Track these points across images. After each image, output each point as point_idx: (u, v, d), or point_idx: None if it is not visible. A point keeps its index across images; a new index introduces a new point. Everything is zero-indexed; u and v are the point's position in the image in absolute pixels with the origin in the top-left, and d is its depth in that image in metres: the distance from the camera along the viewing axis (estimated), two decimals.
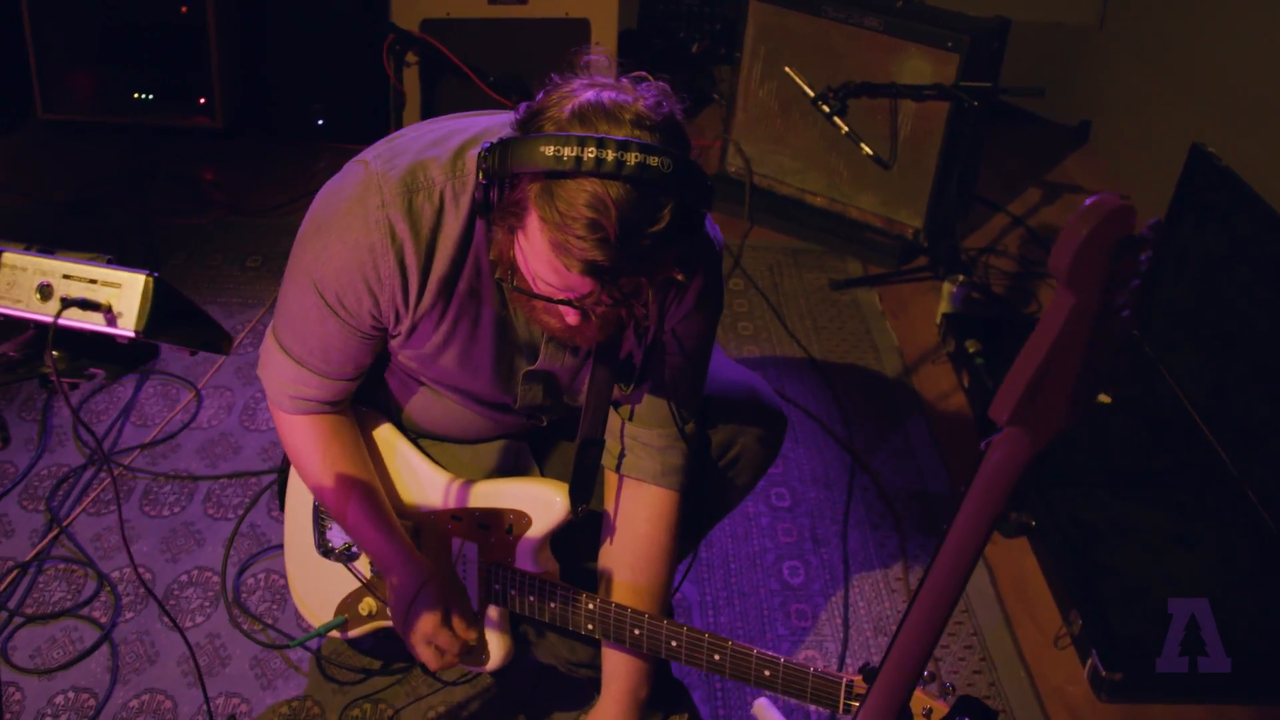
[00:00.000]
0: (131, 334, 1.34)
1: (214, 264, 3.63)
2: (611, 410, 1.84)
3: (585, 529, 1.96)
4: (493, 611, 1.94)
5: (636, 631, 1.78)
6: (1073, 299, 0.95)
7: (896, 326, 3.54)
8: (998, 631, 2.56)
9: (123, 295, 1.34)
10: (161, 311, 1.34)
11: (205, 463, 2.96)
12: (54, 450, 2.93)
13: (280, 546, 2.65)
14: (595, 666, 1.94)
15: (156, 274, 1.35)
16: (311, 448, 1.85)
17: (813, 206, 3.98)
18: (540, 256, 1.34)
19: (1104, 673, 2.38)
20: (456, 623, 1.83)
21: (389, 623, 2.04)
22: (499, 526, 1.88)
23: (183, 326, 1.38)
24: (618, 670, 1.90)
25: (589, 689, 2.28)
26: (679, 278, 1.36)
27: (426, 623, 1.81)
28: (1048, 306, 0.98)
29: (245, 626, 2.51)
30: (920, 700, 1.51)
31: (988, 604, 2.63)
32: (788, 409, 3.22)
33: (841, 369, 3.41)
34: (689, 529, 2.06)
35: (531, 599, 1.85)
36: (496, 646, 1.97)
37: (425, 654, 1.83)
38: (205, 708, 2.31)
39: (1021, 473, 1.09)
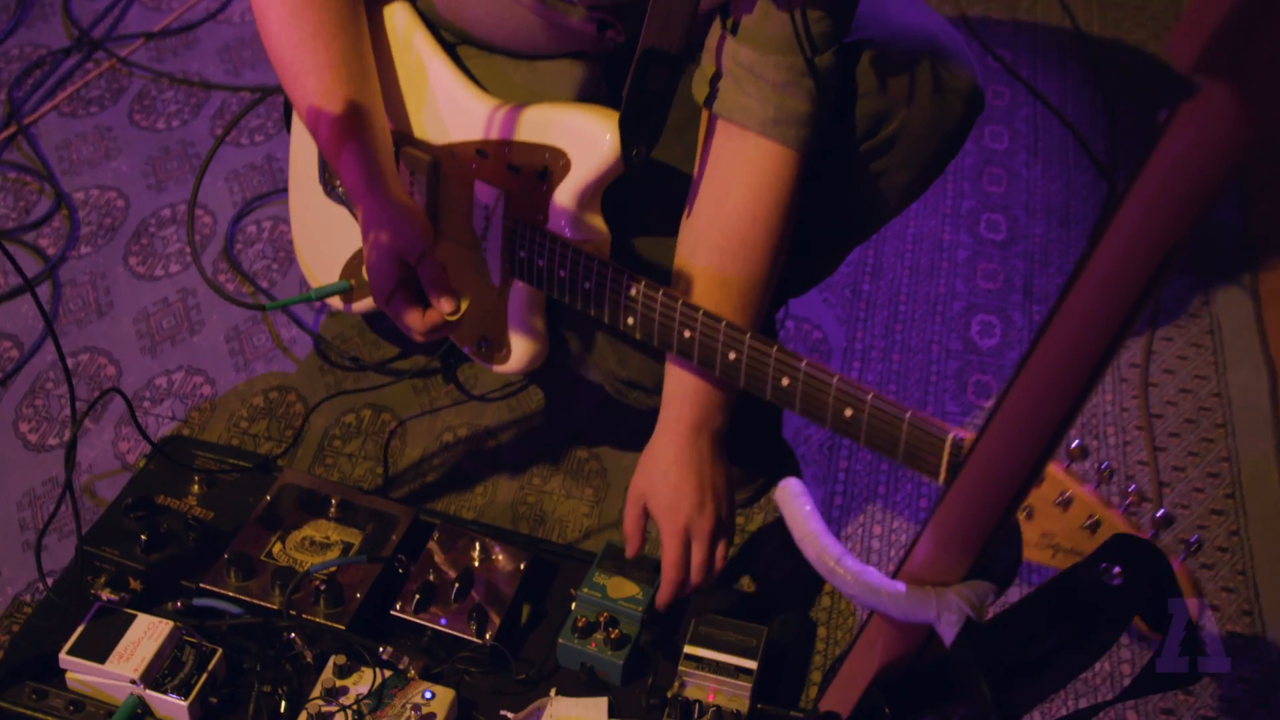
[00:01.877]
0: None
1: None
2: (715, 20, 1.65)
3: (657, 190, 1.76)
4: (520, 290, 1.83)
5: (686, 333, 1.64)
6: None
7: None
8: (1265, 456, 2.25)
9: None
10: None
11: (226, 68, 2.87)
12: (33, 25, 2.86)
13: None
14: (653, 390, 1.88)
15: None
16: (279, 7, 1.73)
17: None
18: None
19: None
20: (428, 286, 1.73)
21: None
22: (530, 169, 1.75)
23: None
24: (676, 391, 1.75)
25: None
26: None
27: (380, 276, 1.73)
28: None
29: (231, 287, 2.44)
30: (1062, 482, 1.32)
31: (1256, 412, 2.31)
32: (1022, 103, 2.89)
33: (1122, 52, 2.99)
34: (821, 236, 1.87)
35: (562, 275, 1.74)
36: (521, 340, 1.87)
37: (399, 319, 1.76)
38: (159, 381, 2.26)
39: (1228, 168, 0.77)
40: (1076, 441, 1.36)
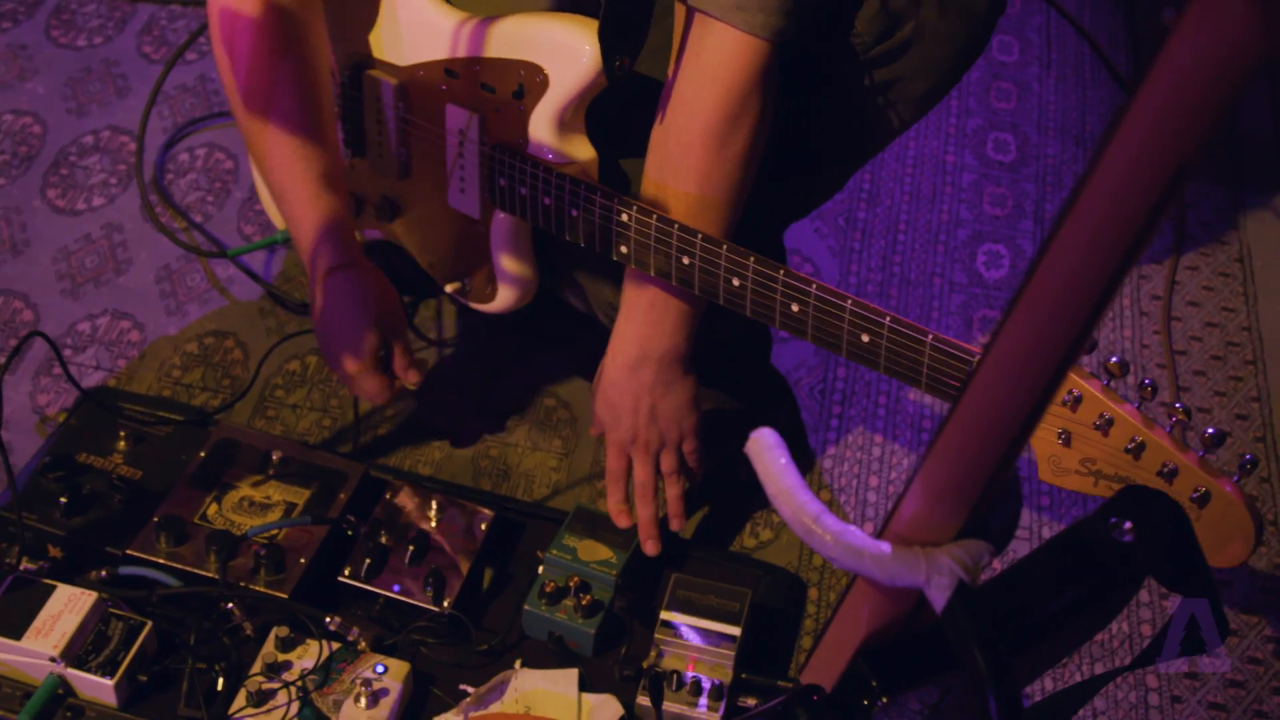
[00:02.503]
0: None
1: None
2: None
3: (645, 105, 1.74)
4: (502, 222, 1.82)
5: (685, 260, 1.64)
6: None
7: None
8: None
9: None
10: None
11: None
12: None
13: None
14: None
15: None
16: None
17: None
18: None
19: None
20: (397, 361, 1.84)
21: (379, 231, 2.00)
22: (505, 88, 1.74)
23: None
24: (633, 307, 1.77)
25: None
26: None
27: (356, 347, 1.80)
28: None
29: (163, 220, 2.40)
30: (1100, 402, 1.35)
31: None
32: (1034, 10, 2.86)
33: None
34: (824, 152, 1.85)
35: (547, 203, 1.72)
36: (508, 276, 1.86)
37: (359, 384, 1.86)
38: (81, 329, 2.22)
39: (1243, 73, 0.73)
40: (1115, 358, 1.35)
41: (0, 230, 2.38)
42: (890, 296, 2.37)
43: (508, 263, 1.86)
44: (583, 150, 1.73)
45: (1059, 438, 1.42)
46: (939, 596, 1.02)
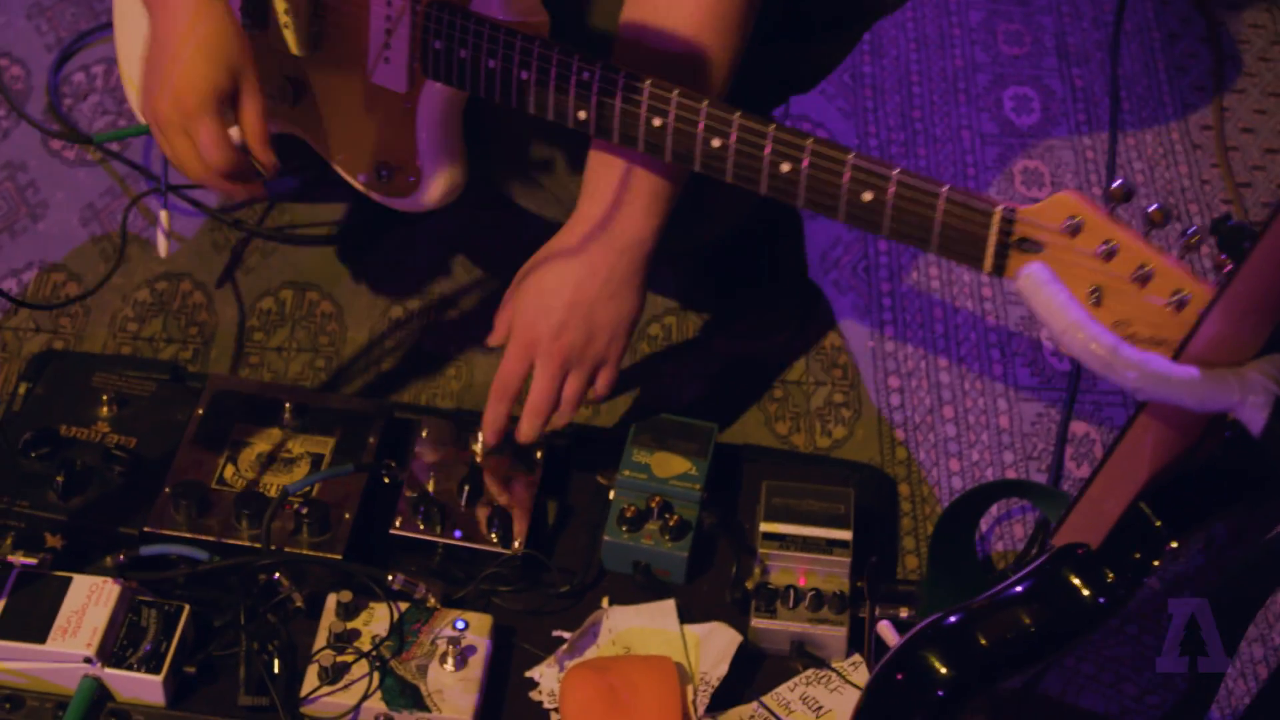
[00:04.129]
0: None
1: None
2: None
3: None
4: (433, 95, 1.80)
5: (657, 121, 1.63)
6: None
7: None
8: None
9: None
10: None
11: None
12: None
13: None
14: None
15: None
16: None
17: None
18: None
19: None
20: (247, 107, 1.67)
21: (273, 122, 1.87)
22: None
23: None
24: (595, 187, 1.77)
25: None
26: None
27: (197, 85, 1.63)
28: None
29: (70, 155, 2.37)
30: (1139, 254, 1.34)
31: None
32: None
33: None
34: (809, 13, 1.86)
35: (491, 65, 1.70)
36: (437, 162, 1.84)
37: (176, 148, 1.67)
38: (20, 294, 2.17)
39: None
40: (1156, 205, 1.35)
41: None
42: (919, 157, 2.42)
43: (437, 147, 1.84)
44: (534, 8, 1.72)
45: (1091, 296, 1.42)
46: (1255, 416, 1.07)
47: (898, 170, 1.53)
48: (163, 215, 1.90)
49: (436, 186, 1.86)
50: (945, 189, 1.51)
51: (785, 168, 1.59)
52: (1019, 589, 1.21)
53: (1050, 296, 1.11)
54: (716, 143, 1.62)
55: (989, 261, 1.50)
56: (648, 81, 1.63)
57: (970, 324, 2.19)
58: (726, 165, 1.62)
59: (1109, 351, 1.07)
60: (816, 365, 2.15)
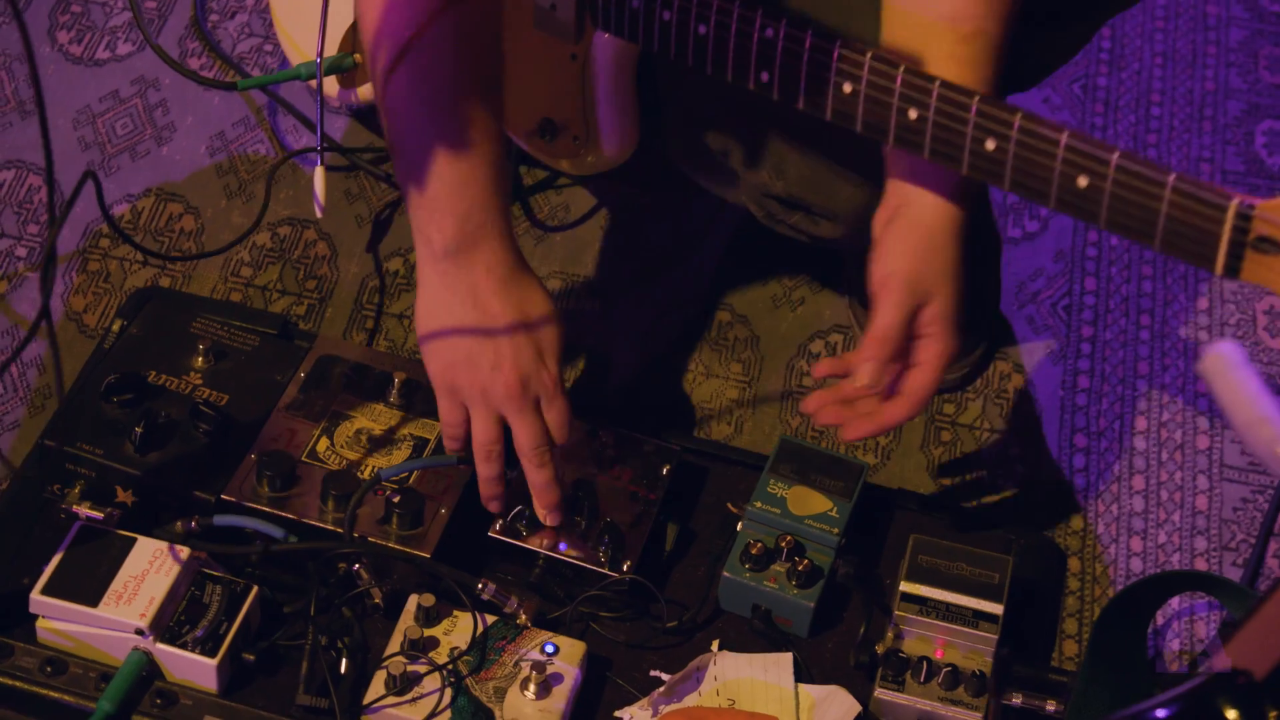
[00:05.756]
0: None
1: None
2: None
3: None
4: (604, 47, 1.82)
5: (847, 87, 1.63)
6: None
7: None
8: None
9: None
10: None
11: None
12: None
13: None
14: (824, 210, 1.92)
15: None
16: None
17: None
18: None
19: None
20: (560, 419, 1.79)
21: None
22: None
23: None
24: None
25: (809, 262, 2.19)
26: None
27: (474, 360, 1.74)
28: None
29: (210, 75, 2.42)
30: None
31: None
32: None
33: None
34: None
35: (665, 17, 1.71)
36: (608, 119, 1.87)
37: (481, 422, 1.79)
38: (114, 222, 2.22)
39: None
40: None
41: (3, 84, 2.38)
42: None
43: (605, 104, 1.87)
44: None
45: None
46: None
47: (1118, 154, 1.51)
48: (319, 174, 1.93)
49: (609, 148, 1.89)
50: (1173, 177, 1.48)
51: (990, 145, 1.58)
52: (1161, 714, 1.17)
53: (1239, 382, 1.07)
54: (913, 114, 1.61)
55: (1220, 262, 1.48)
56: (837, 42, 1.62)
57: (1179, 385, 2.15)
58: (924, 139, 1.61)
59: None
60: (994, 410, 2.12)
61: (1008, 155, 1.57)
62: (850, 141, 1.70)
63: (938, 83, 1.58)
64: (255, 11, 2.49)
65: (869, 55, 1.61)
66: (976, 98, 1.57)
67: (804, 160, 1.88)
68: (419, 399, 1.93)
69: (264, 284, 2.17)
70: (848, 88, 1.63)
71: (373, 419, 1.91)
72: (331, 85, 2.05)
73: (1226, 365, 1.10)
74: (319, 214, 1.97)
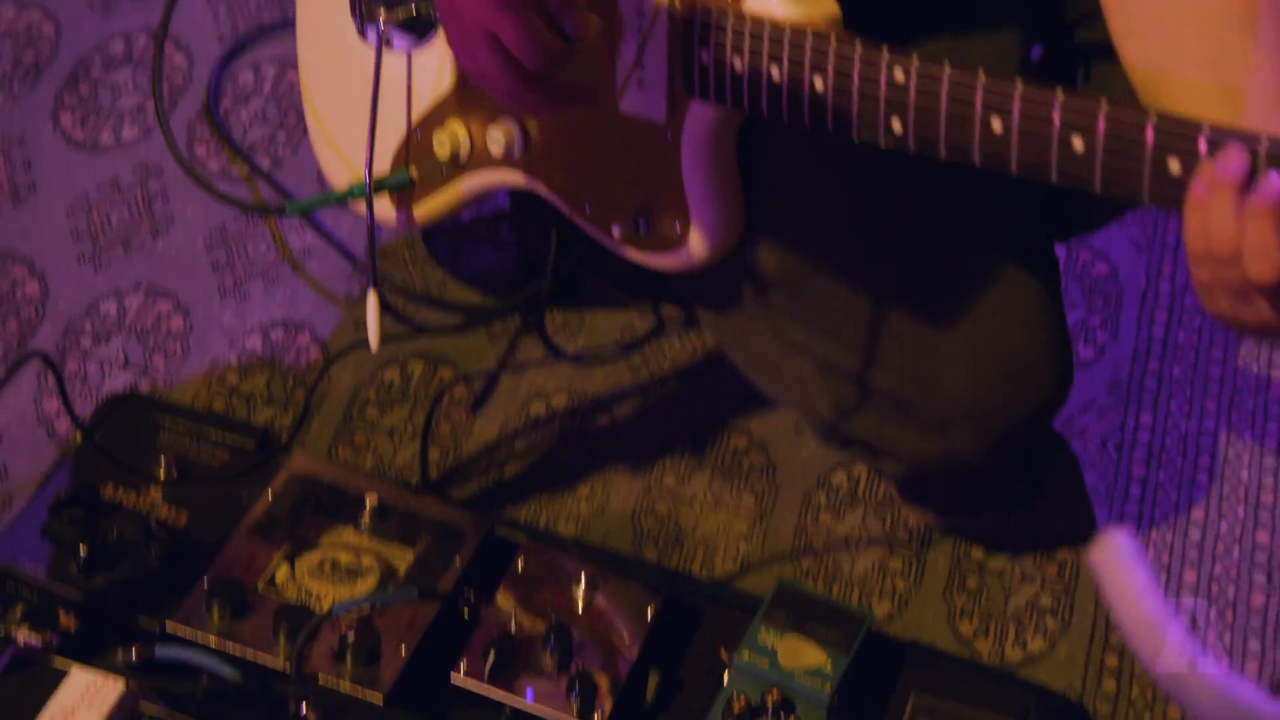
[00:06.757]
0: None
1: None
2: None
3: None
4: (700, 120, 1.81)
5: (997, 125, 1.59)
6: None
7: None
8: None
9: None
10: None
11: None
12: None
13: None
14: (879, 449, 1.93)
15: None
16: None
17: None
18: None
19: None
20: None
21: (499, 176, 1.95)
22: None
23: None
24: None
25: None
26: None
27: None
28: None
29: (215, 165, 2.43)
30: None
31: None
32: None
33: None
34: None
35: (775, 76, 1.69)
36: (707, 205, 1.85)
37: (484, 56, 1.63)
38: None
39: None
40: None
41: None
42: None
43: (707, 185, 1.84)
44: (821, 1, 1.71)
45: None
46: None
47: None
48: (372, 305, 1.94)
49: (710, 237, 1.85)
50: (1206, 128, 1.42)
51: (1079, 144, 1.53)
52: None
53: (1123, 579, 1.03)
54: (1079, 144, 1.55)
55: None
56: (980, 73, 1.59)
57: (1234, 537, 2.10)
58: (1094, 173, 1.55)
59: (1186, 666, 0.99)
60: (1027, 556, 2.08)
61: (1097, 149, 1.53)
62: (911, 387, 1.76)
63: (1104, 100, 1.52)
64: (272, 96, 2.51)
65: (1019, 85, 1.57)
66: (1060, 88, 1.53)
67: (870, 407, 1.89)
68: (391, 524, 1.93)
69: (249, 391, 2.19)
70: (997, 125, 1.61)
71: (340, 545, 1.91)
72: (387, 209, 2.03)
73: (1116, 558, 1.07)
74: (373, 349, 1.96)
